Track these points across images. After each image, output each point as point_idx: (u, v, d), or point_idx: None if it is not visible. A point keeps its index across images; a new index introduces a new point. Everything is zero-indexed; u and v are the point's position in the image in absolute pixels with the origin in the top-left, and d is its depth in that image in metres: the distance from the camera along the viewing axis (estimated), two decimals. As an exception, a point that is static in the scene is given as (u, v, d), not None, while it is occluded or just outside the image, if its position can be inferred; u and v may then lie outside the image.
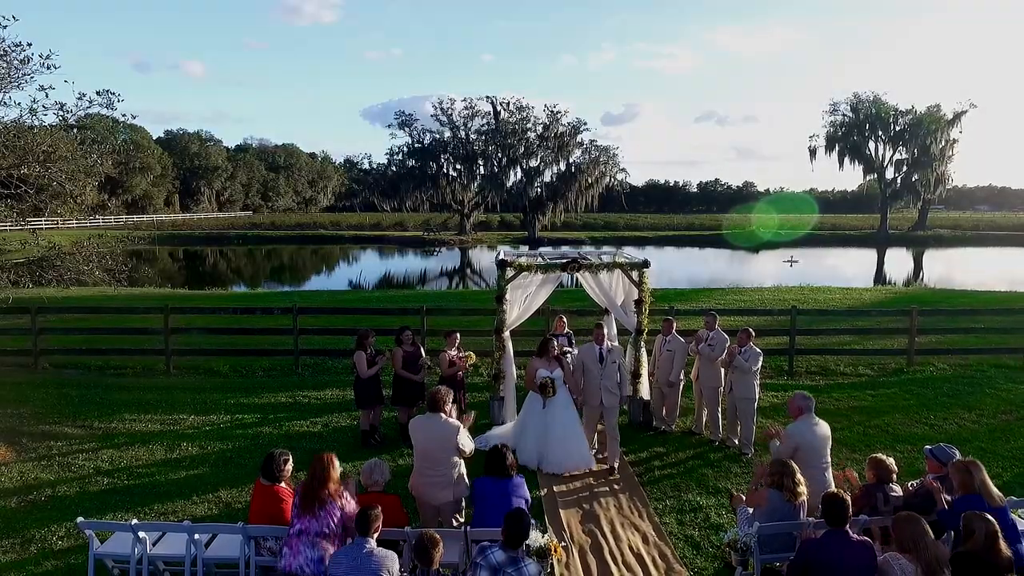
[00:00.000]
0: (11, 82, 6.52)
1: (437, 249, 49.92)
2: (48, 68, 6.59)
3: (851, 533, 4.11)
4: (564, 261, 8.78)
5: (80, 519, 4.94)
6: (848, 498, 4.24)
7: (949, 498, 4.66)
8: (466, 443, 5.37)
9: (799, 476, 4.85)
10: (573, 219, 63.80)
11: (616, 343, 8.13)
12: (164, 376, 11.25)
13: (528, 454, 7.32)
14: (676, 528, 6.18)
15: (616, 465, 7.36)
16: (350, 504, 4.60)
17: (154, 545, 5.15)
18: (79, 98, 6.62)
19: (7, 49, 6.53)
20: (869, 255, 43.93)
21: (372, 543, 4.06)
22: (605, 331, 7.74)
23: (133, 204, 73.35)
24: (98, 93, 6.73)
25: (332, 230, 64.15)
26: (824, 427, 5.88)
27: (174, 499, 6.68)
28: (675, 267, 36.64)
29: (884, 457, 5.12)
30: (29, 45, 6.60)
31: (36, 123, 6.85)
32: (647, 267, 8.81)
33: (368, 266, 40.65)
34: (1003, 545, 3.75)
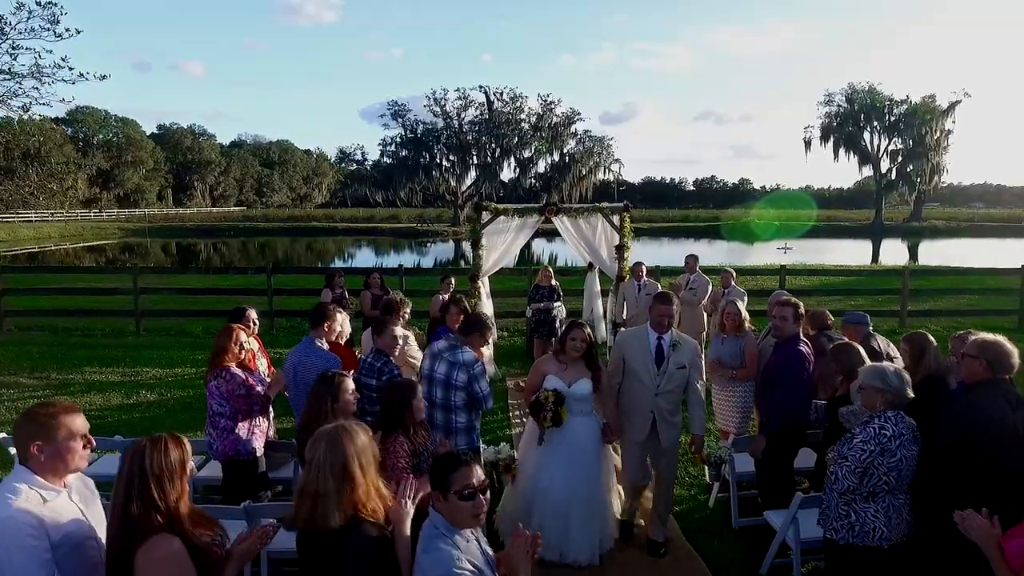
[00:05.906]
0: None
1: (431, 241, 49.47)
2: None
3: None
4: (541, 204, 8.49)
5: (2, 435, 4.60)
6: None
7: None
8: (415, 355, 5.10)
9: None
10: (568, 212, 63.53)
11: (688, 337, 4.29)
12: (133, 337, 10.90)
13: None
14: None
15: (664, 541, 4.24)
16: (240, 381, 3.96)
17: (89, 465, 4.82)
18: (17, 8, 6.27)
19: None
20: (865, 246, 43.56)
21: (321, 341, 4.30)
22: (674, 308, 4.13)
23: (125, 198, 72.66)
24: (39, 4, 6.38)
25: (325, 222, 63.72)
26: None
27: (126, 438, 6.34)
28: (671, 260, 36.20)
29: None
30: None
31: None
32: (627, 211, 8.58)
33: (362, 260, 40.21)
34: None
